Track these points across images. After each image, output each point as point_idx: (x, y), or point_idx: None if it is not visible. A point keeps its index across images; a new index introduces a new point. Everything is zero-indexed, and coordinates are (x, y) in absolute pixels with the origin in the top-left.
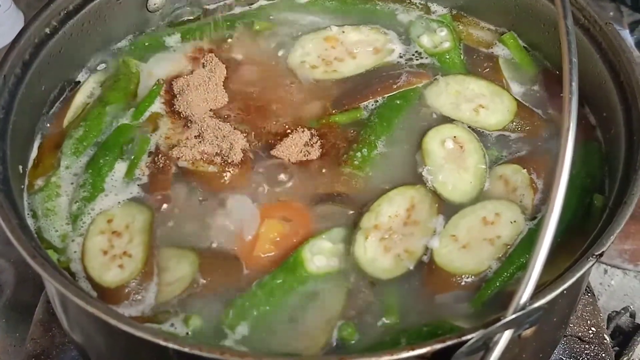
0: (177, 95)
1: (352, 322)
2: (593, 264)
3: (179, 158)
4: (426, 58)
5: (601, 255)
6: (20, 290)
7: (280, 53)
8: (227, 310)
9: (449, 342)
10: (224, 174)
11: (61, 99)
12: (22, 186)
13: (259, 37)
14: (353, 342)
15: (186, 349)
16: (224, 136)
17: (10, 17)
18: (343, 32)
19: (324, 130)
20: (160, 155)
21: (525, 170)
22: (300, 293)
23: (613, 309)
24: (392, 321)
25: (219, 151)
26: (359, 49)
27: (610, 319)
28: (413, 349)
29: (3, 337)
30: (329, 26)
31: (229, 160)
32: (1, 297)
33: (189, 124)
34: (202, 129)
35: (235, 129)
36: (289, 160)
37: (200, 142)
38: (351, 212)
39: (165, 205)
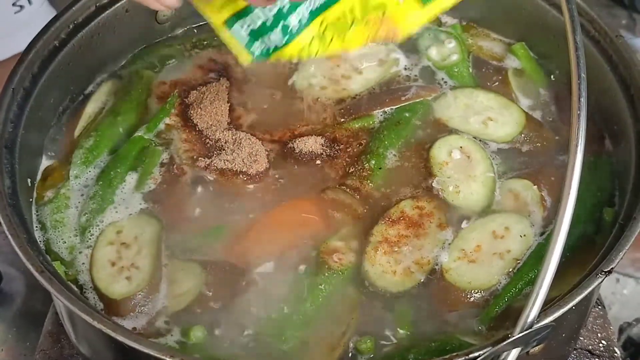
0: (191, 108)
1: (370, 336)
2: (602, 281)
3: (206, 167)
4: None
5: (610, 272)
6: (30, 300)
7: (288, 69)
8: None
9: None
10: (244, 184)
11: (70, 110)
12: (31, 199)
13: None
14: (372, 355)
15: None
16: (243, 146)
17: (42, 14)
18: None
19: (336, 136)
20: (173, 168)
21: (536, 187)
22: (318, 296)
23: (625, 318)
24: (401, 336)
25: (240, 161)
26: (363, 63)
27: (621, 330)
28: None
29: (14, 346)
30: None
31: (251, 170)
32: (12, 306)
33: (204, 136)
34: (220, 140)
35: (255, 138)
36: (304, 164)
37: (218, 153)
38: (361, 213)
39: (175, 218)
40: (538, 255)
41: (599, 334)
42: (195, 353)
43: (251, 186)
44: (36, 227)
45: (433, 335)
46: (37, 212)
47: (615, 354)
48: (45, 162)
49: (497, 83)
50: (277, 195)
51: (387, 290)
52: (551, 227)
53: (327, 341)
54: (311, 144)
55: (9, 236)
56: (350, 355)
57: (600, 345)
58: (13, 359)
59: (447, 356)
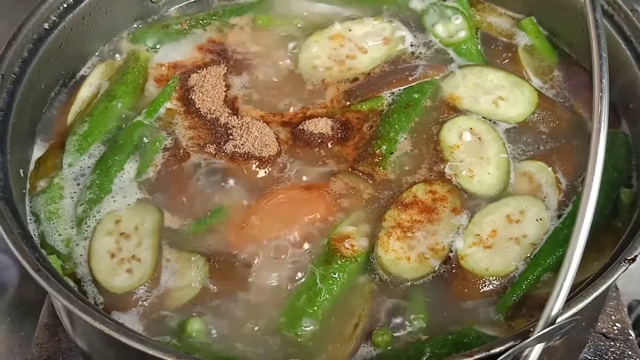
0: (192, 92)
1: (385, 328)
2: (625, 269)
3: (216, 154)
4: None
5: (634, 259)
6: (24, 288)
7: (291, 50)
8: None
9: (476, 356)
10: (255, 169)
11: (63, 95)
12: (24, 190)
13: (268, 30)
14: (388, 349)
15: None
16: (251, 131)
17: None
18: (350, 30)
19: (346, 118)
20: (178, 154)
21: (551, 168)
22: (330, 286)
23: (631, 293)
24: (416, 327)
25: (250, 146)
26: (368, 42)
27: (630, 308)
28: None
29: (8, 336)
30: (332, 24)
31: (262, 154)
32: (5, 295)
33: (209, 122)
34: (227, 125)
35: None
36: (315, 146)
37: (227, 139)
38: (372, 197)
39: (177, 207)
40: (555, 240)
41: (612, 317)
42: (201, 350)
43: (262, 171)
44: (30, 219)
45: (449, 326)
46: (30, 203)
47: (630, 337)
48: (37, 151)
49: (507, 60)
50: (287, 179)
51: (401, 277)
52: (568, 210)
53: (339, 334)
54: (321, 126)
55: (2, 232)
56: (366, 348)
57: (615, 328)
58: (8, 350)
59: (467, 352)
